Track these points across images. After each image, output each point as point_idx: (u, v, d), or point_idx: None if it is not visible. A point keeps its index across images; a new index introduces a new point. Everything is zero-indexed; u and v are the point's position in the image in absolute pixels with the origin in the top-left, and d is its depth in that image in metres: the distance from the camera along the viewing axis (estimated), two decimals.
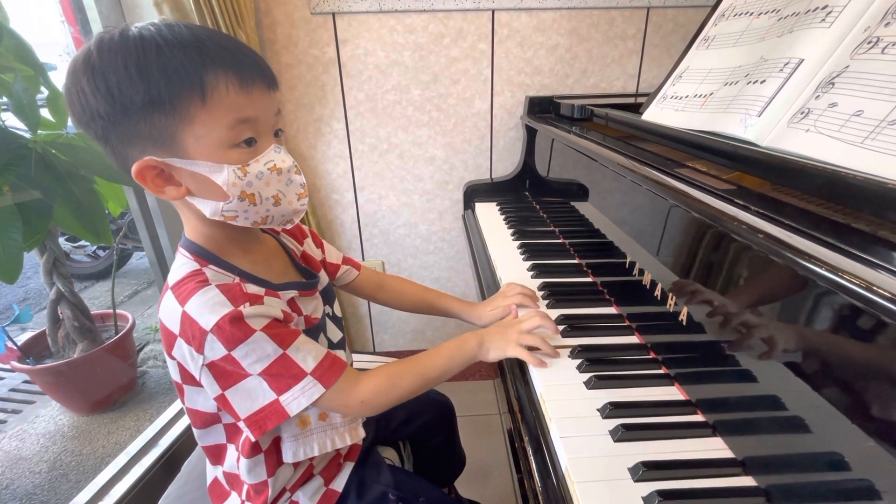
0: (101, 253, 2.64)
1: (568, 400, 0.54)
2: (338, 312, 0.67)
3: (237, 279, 0.51)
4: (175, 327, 0.47)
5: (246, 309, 0.47)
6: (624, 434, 0.48)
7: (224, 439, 0.56)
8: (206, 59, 0.44)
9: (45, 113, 1.15)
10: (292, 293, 0.56)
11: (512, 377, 0.61)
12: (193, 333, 0.46)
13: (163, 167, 0.46)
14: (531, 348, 0.60)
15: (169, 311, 0.48)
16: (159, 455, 1.15)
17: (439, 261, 1.55)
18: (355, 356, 0.85)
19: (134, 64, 0.42)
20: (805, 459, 0.38)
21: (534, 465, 0.48)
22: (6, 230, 1.05)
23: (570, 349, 0.62)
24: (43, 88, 1.14)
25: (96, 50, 0.43)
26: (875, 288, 0.30)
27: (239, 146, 0.47)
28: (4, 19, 1.07)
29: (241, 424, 0.49)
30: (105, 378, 1.53)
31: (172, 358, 0.50)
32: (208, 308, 0.46)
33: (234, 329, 0.46)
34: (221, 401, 0.49)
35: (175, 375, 0.52)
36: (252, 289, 0.50)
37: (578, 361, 0.59)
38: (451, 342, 0.61)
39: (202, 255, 0.51)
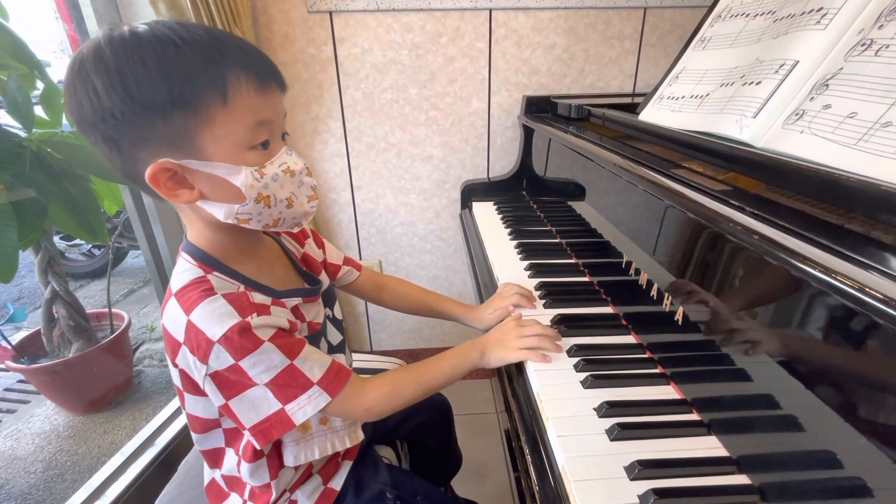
0: (96, 252, 2.63)
1: (564, 399, 0.54)
2: (338, 315, 0.67)
3: (242, 287, 0.50)
4: (180, 335, 0.47)
5: (254, 320, 0.46)
6: (620, 433, 0.48)
7: (223, 443, 0.56)
8: (226, 58, 0.43)
9: (38, 111, 1.14)
10: (296, 300, 0.56)
11: (509, 376, 0.61)
12: (199, 343, 0.45)
13: (177, 169, 0.45)
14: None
15: (173, 319, 0.47)
16: (156, 455, 1.15)
17: (436, 260, 1.55)
18: (353, 356, 0.85)
19: (153, 62, 0.41)
20: (799, 457, 0.39)
21: (531, 464, 0.49)
22: (1, 229, 1.05)
23: (566, 348, 0.62)
24: (39, 84, 1.14)
25: (108, 47, 0.41)
26: (868, 289, 0.30)
27: (255, 148, 0.46)
28: (4, 17, 1.06)
29: (246, 433, 0.49)
30: (101, 377, 1.53)
31: (176, 365, 0.49)
32: (215, 318, 0.45)
33: (243, 340, 0.45)
34: (226, 410, 0.48)
35: (177, 381, 0.51)
36: (258, 298, 0.50)
37: (575, 361, 0.60)
38: (454, 351, 0.62)
39: (207, 261, 0.50)
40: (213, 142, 0.44)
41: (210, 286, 0.48)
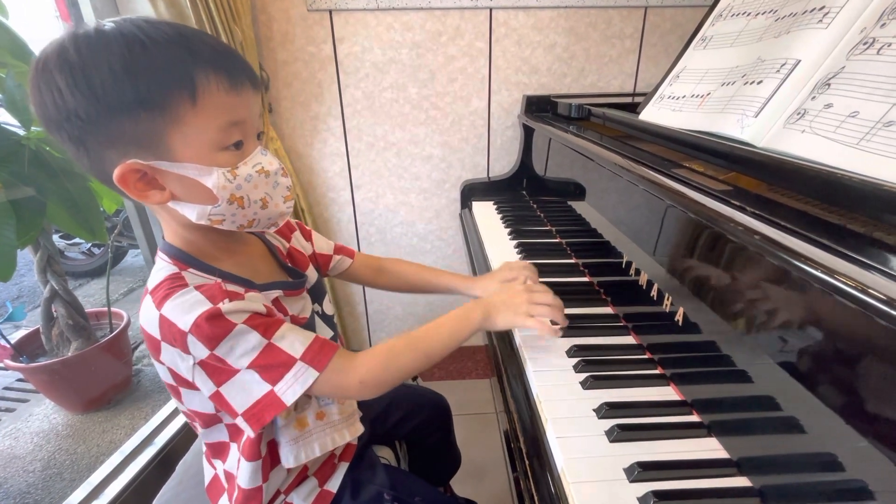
0: (95, 250, 2.63)
1: (564, 400, 0.53)
2: (328, 310, 0.66)
3: (218, 280, 0.49)
4: (156, 332, 0.46)
5: (225, 305, 0.45)
6: (620, 434, 0.48)
7: (227, 438, 0.56)
8: (195, 58, 0.43)
9: None
10: (276, 293, 0.55)
11: (508, 377, 0.61)
12: (174, 336, 0.45)
13: (147, 170, 0.44)
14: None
15: (148, 317, 0.47)
16: (154, 454, 1.15)
17: (436, 260, 1.55)
18: None
19: (119, 62, 0.40)
20: (799, 460, 0.38)
21: (529, 466, 0.48)
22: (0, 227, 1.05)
23: (566, 349, 0.62)
24: None
25: (72, 46, 0.40)
26: (870, 290, 0.30)
27: (228, 149, 0.46)
28: (4, 14, 1.06)
29: (240, 420, 0.48)
30: (100, 376, 1.53)
31: (161, 363, 0.49)
32: (186, 308, 0.45)
33: (213, 326, 0.44)
34: (217, 398, 0.48)
35: (167, 378, 0.51)
36: (232, 288, 0.49)
37: (575, 361, 0.59)
38: (453, 313, 0.59)
39: (182, 258, 0.50)
40: (182, 142, 0.44)
41: (184, 282, 0.47)
